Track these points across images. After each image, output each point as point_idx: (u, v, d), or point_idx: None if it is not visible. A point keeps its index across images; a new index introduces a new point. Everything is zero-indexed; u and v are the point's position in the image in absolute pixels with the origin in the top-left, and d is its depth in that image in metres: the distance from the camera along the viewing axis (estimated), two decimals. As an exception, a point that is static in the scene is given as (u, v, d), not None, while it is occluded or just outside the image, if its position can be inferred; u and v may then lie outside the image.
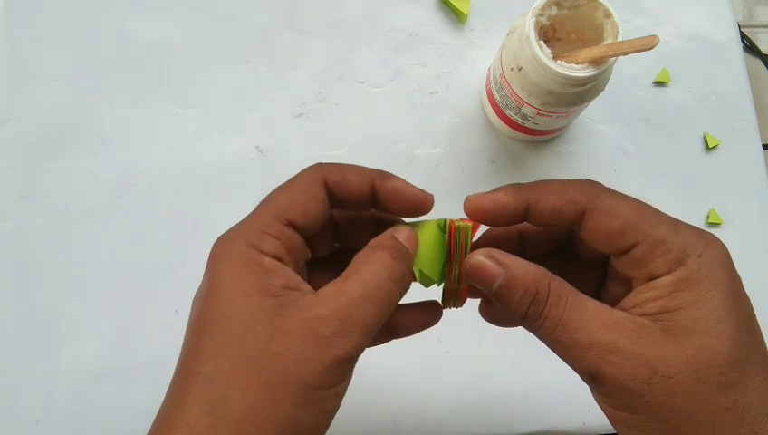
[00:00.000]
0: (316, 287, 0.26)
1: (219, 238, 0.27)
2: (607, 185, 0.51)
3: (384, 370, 0.45)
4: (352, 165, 0.29)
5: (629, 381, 0.24)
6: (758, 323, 0.26)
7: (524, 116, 0.44)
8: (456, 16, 0.52)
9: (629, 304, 0.26)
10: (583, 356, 0.25)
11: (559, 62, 0.38)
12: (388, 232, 0.28)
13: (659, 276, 0.25)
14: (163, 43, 0.49)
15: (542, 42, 0.39)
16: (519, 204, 0.27)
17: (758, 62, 0.96)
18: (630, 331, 0.24)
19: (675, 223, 0.26)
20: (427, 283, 0.29)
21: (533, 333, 0.27)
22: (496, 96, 0.46)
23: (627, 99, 0.51)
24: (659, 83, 0.52)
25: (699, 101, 0.52)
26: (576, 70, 0.38)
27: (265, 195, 0.49)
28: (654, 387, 0.24)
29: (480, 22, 0.52)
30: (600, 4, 0.39)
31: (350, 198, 0.28)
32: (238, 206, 0.47)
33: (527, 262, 0.26)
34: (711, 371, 0.23)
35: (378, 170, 0.28)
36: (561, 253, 0.32)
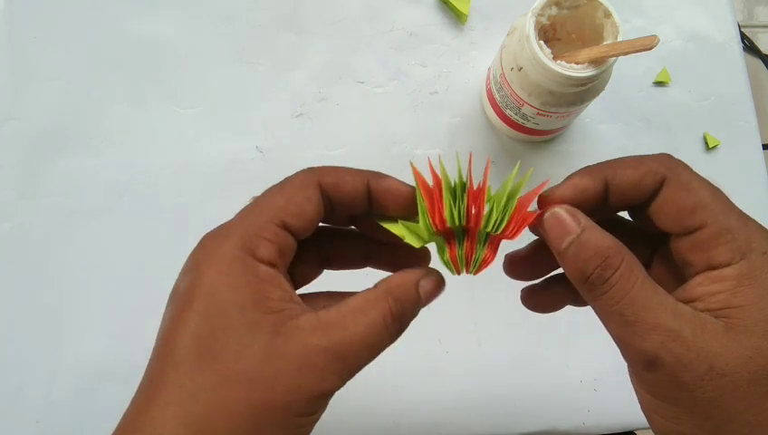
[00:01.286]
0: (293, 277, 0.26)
1: (209, 236, 0.26)
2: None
3: (384, 370, 0.45)
4: (346, 167, 0.28)
5: (685, 374, 0.23)
6: None
7: (524, 116, 0.44)
8: (456, 16, 0.52)
9: (690, 296, 0.25)
10: (644, 337, 0.24)
11: (559, 62, 0.38)
12: (413, 276, 0.27)
13: (719, 265, 0.25)
14: (163, 43, 0.49)
15: (542, 42, 0.39)
16: (598, 184, 0.27)
17: (758, 62, 0.96)
18: (695, 324, 0.24)
19: (745, 216, 0.26)
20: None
21: (591, 301, 0.26)
22: (496, 96, 0.46)
23: (627, 99, 0.51)
24: (659, 83, 0.52)
25: (699, 101, 0.52)
26: (576, 70, 0.38)
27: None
28: (707, 383, 0.23)
29: (480, 22, 0.52)
30: (600, 4, 0.39)
31: (345, 199, 0.28)
32: (238, 206, 0.47)
33: (605, 231, 0.26)
34: (764, 373, 0.23)
35: (372, 171, 0.28)
36: (609, 225, 0.30)
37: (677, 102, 0.52)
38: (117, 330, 0.45)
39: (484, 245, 0.28)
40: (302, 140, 0.49)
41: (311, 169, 0.28)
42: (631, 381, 0.27)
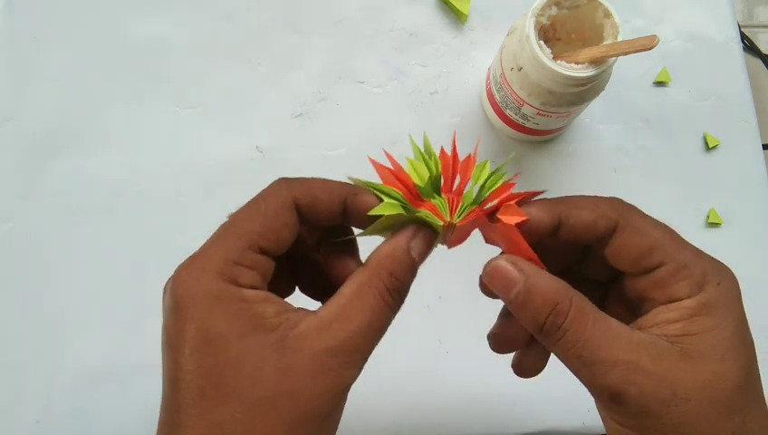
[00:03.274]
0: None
1: (184, 269, 0.25)
2: (607, 185, 0.52)
3: (384, 370, 0.45)
4: (321, 180, 0.27)
5: (650, 402, 0.24)
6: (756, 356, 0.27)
7: (524, 116, 0.44)
8: (456, 16, 0.52)
9: (648, 323, 0.26)
10: (606, 374, 0.24)
11: (559, 62, 0.38)
12: (402, 241, 0.26)
13: (680, 299, 0.26)
14: (163, 43, 0.49)
15: (542, 42, 0.39)
16: (552, 220, 0.27)
17: (758, 62, 0.96)
18: (651, 351, 0.25)
19: (698, 251, 0.27)
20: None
21: (550, 347, 0.26)
22: (496, 96, 0.46)
23: (627, 99, 0.51)
24: (659, 83, 0.52)
25: (699, 101, 0.52)
26: (576, 70, 0.38)
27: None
28: (672, 409, 0.24)
29: (480, 22, 0.52)
30: (600, 4, 0.39)
31: (320, 218, 0.27)
32: (238, 206, 0.47)
33: (549, 274, 0.26)
34: (723, 395, 0.24)
35: (348, 185, 0.27)
36: (565, 271, 0.31)
37: (677, 102, 0.52)
38: (117, 330, 0.45)
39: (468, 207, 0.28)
40: (302, 140, 0.49)
41: (286, 186, 0.27)
42: (598, 410, 0.27)
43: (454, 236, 0.29)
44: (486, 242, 0.29)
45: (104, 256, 0.46)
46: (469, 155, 0.29)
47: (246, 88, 0.49)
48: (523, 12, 0.41)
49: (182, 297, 0.24)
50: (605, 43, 0.39)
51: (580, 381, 0.26)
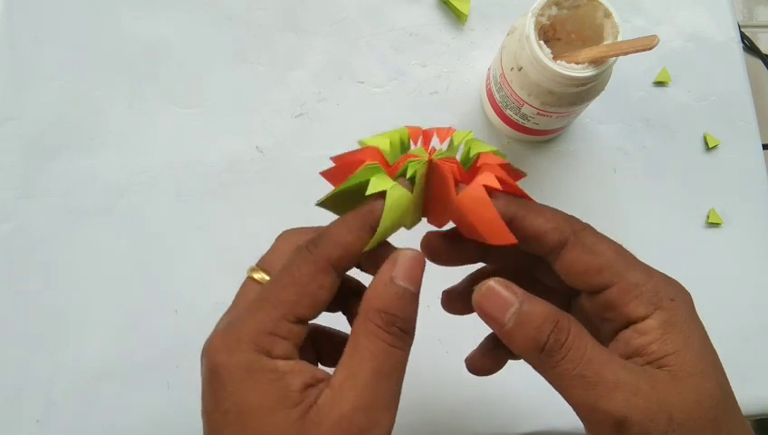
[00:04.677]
0: None
1: (218, 339, 0.25)
2: (607, 185, 0.52)
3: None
4: (342, 227, 0.26)
5: (652, 429, 0.24)
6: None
7: (524, 116, 0.44)
8: (456, 16, 0.52)
9: (627, 351, 0.26)
10: (610, 397, 0.24)
11: (559, 62, 0.38)
12: (383, 275, 0.25)
13: (636, 319, 0.25)
14: (163, 43, 0.49)
15: (542, 42, 0.39)
16: (506, 214, 0.26)
17: (758, 62, 0.96)
18: (646, 376, 0.24)
19: (648, 269, 0.27)
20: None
21: (549, 369, 0.25)
22: (496, 96, 0.46)
23: (627, 99, 0.51)
24: (659, 83, 0.52)
25: (699, 101, 0.52)
26: (576, 70, 0.38)
27: (264, 196, 0.49)
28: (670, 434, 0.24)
29: (480, 22, 0.52)
30: (600, 4, 0.39)
31: (350, 266, 0.27)
32: (238, 206, 0.47)
33: (538, 297, 0.26)
34: (711, 414, 0.24)
35: (366, 215, 0.26)
36: (522, 275, 0.31)
37: (677, 102, 0.52)
38: (117, 330, 0.45)
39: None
40: (302, 140, 0.49)
41: (314, 247, 0.26)
42: None
43: (434, 205, 0.28)
44: (458, 225, 0.28)
45: (104, 256, 0.46)
46: (450, 127, 0.29)
47: (246, 88, 0.49)
48: (523, 12, 0.41)
49: (218, 368, 0.25)
50: (605, 43, 0.39)
51: (579, 410, 0.25)
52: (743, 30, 0.68)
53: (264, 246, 0.47)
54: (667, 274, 0.27)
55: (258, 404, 0.24)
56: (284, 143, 0.49)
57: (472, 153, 0.28)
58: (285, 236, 0.30)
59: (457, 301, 0.32)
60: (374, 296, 0.25)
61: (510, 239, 0.26)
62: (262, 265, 0.29)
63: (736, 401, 0.26)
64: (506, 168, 0.28)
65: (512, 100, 0.43)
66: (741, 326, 0.48)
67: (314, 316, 0.26)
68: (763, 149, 0.53)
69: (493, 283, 0.26)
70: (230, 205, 0.47)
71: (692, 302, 0.27)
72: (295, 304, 0.25)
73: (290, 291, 0.25)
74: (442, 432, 0.45)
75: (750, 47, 0.96)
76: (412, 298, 0.25)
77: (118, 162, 0.47)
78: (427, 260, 0.26)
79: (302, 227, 0.30)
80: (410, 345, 0.26)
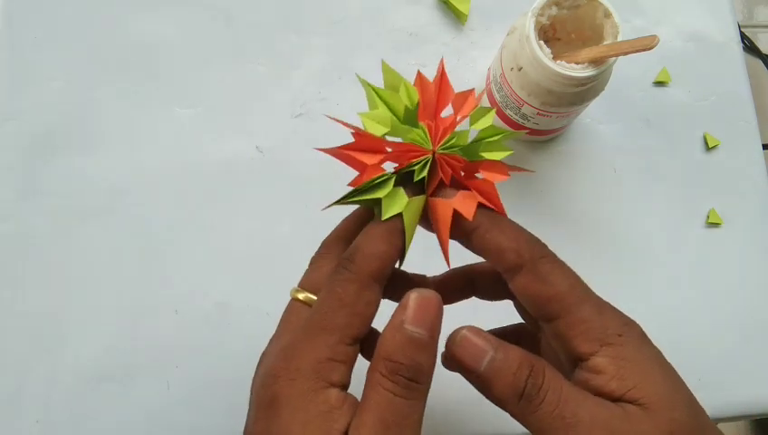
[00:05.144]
0: None
1: (278, 368, 0.25)
2: (607, 185, 0.52)
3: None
4: (373, 230, 0.26)
5: None
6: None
7: (524, 116, 0.44)
8: (456, 16, 0.52)
9: (592, 389, 0.26)
10: None
11: (559, 62, 0.38)
12: (395, 320, 0.25)
13: (582, 355, 0.25)
14: (163, 43, 0.49)
15: (542, 42, 0.39)
16: (471, 223, 0.26)
17: (758, 62, 0.96)
18: (618, 412, 0.24)
19: (600, 304, 0.26)
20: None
21: (527, 415, 0.25)
22: (496, 96, 0.46)
23: (627, 99, 0.51)
24: (659, 83, 0.52)
25: (699, 101, 0.52)
26: (576, 70, 0.38)
27: (264, 196, 0.49)
28: None
29: (480, 22, 0.52)
30: (600, 4, 0.39)
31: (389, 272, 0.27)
32: (238, 205, 0.47)
33: (510, 344, 0.26)
34: None
35: (392, 225, 0.26)
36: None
37: (677, 102, 0.52)
38: (117, 330, 0.45)
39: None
40: (302, 140, 0.49)
41: (351, 264, 0.26)
42: None
43: (433, 209, 0.27)
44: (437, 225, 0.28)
45: (104, 256, 0.46)
46: (472, 90, 0.27)
47: (246, 88, 0.49)
48: (523, 12, 0.41)
49: (277, 396, 0.24)
50: (605, 43, 0.39)
51: None
52: (743, 30, 0.68)
53: (265, 245, 0.47)
54: (620, 310, 0.27)
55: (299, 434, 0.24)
56: (284, 143, 0.49)
57: (483, 153, 0.27)
58: (322, 252, 0.29)
59: (446, 288, 0.32)
60: (381, 342, 0.24)
61: (445, 259, 0.27)
62: (305, 285, 0.29)
63: (710, 423, 0.26)
64: (506, 170, 0.27)
65: (512, 100, 0.43)
66: (741, 326, 0.48)
67: (365, 333, 0.26)
68: (763, 149, 0.53)
69: (466, 332, 0.26)
70: (230, 205, 0.47)
71: (643, 335, 0.27)
72: (348, 326, 0.25)
73: (341, 314, 0.25)
74: (442, 432, 0.45)
75: (750, 47, 0.96)
76: (423, 344, 0.24)
77: (118, 162, 0.47)
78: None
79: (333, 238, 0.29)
80: (423, 394, 0.25)
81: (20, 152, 0.47)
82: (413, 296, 0.25)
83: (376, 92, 0.27)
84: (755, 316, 0.49)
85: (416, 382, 0.24)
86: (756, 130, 0.52)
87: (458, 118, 0.27)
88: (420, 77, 0.27)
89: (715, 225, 0.50)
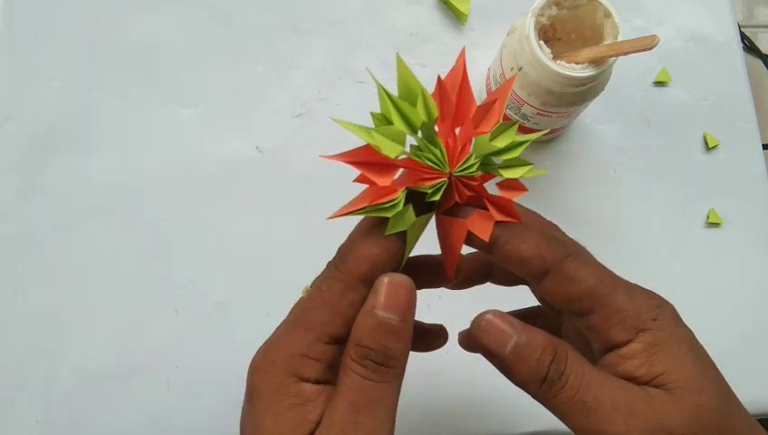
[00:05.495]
0: None
1: (258, 360, 0.26)
2: (607, 185, 0.52)
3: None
4: (368, 240, 0.25)
5: None
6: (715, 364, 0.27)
7: (524, 116, 0.44)
8: (456, 16, 0.52)
9: (619, 374, 0.26)
10: (610, 421, 0.24)
11: (559, 62, 0.38)
12: (366, 307, 0.24)
13: (620, 344, 0.26)
14: (163, 43, 0.49)
15: (542, 42, 0.39)
16: (492, 236, 0.26)
17: (758, 62, 0.96)
18: (641, 395, 0.25)
19: (630, 290, 0.26)
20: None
21: (549, 399, 0.25)
22: (496, 96, 0.46)
23: (627, 99, 0.51)
24: (659, 83, 0.52)
25: (699, 101, 0.52)
26: (576, 70, 0.38)
27: (264, 196, 0.49)
28: None
29: (480, 22, 0.52)
30: (600, 4, 0.39)
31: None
32: (238, 205, 0.47)
33: (534, 326, 0.26)
34: (711, 425, 0.24)
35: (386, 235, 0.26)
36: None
37: (677, 102, 0.52)
38: (117, 330, 0.45)
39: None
40: (302, 140, 0.49)
41: (341, 264, 0.26)
42: None
43: (447, 227, 0.26)
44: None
45: (104, 256, 0.46)
46: (495, 99, 0.25)
47: (246, 88, 0.49)
48: (523, 12, 0.41)
49: (252, 387, 0.25)
50: (605, 43, 0.39)
51: (581, 434, 0.25)
52: (743, 30, 0.68)
53: (265, 245, 0.47)
54: (648, 289, 0.27)
55: (272, 427, 0.24)
56: (284, 143, 0.49)
57: (502, 171, 0.26)
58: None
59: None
60: (354, 328, 0.25)
61: (450, 278, 0.27)
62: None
63: (741, 407, 0.26)
64: (523, 186, 0.27)
65: (512, 100, 0.43)
66: (741, 326, 0.48)
67: (346, 335, 0.25)
68: (763, 149, 0.53)
69: (491, 316, 0.26)
70: (230, 205, 0.47)
71: (676, 316, 0.27)
72: (328, 324, 0.25)
73: (322, 312, 0.25)
74: (442, 432, 0.45)
75: (750, 47, 0.96)
76: (393, 329, 0.24)
77: (118, 162, 0.47)
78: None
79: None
80: (394, 377, 0.25)
81: (20, 152, 0.47)
82: (385, 281, 0.24)
83: (392, 101, 0.24)
84: (755, 316, 0.49)
85: (385, 366, 0.24)
86: (756, 130, 0.52)
87: (477, 133, 0.26)
88: (440, 85, 0.25)
89: (715, 225, 0.50)
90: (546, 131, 0.28)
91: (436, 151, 0.25)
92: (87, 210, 0.46)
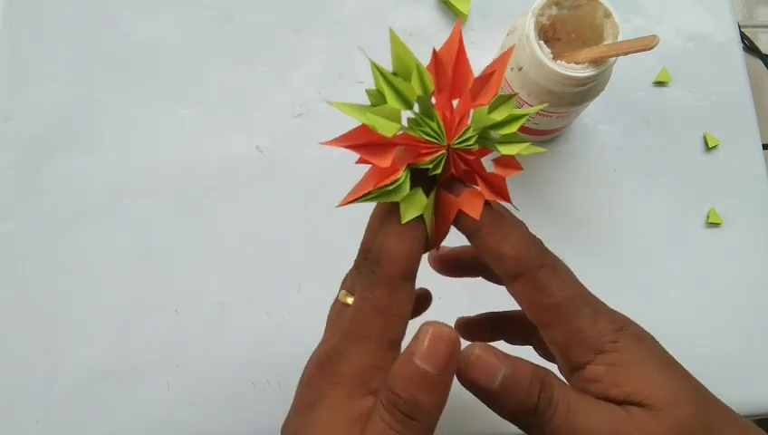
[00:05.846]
0: None
1: (315, 373, 0.25)
2: (607, 185, 0.52)
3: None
4: (394, 237, 0.25)
5: None
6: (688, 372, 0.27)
7: (524, 116, 0.44)
8: (456, 16, 0.52)
9: (594, 396, 0.26)
10: None
11: (559, 62, 0.38)
12: (405, 352, 0.24)
13: (579, 364, 0.26)
14: (163, 43, 0.49)
15: (542, 42, 0.39)
16: (473, 225, 0.26)
17: (758, 62, 0.96)
18: (624, 415, 0.25)
19: (596, 312, 0.26)
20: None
21: (538, 429, 0.25)
22: (496, 96, 0.46)
23: (627, 99, 0.51)
24: (659, 83, 0.52)
25: (699, 101, 0.52)
26: (576, 70, 0.38)
27: (264, 196, 0.49)
28: None
29: (480, 22, 0.52)
30: (600, 4, 0.39)
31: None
32: (238, 205, 0.47)
33: (520, 358, 0.26)
34: None
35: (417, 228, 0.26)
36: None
37: (677, 102, 0.52)
38: (117, 330, 0.45)
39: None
40: (302, 140, 0.49)
41: (377, 267, 0.25)
42: None
43: (439, 211, 0.26)
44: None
45: (104, 255, 0.46)
46: (493, 71, 0.25)
47: (246, 88, 0.49)
48: (523, 12, 0.41)
49: (315, 400, 0.25)
50: (605, 43, 0.39)
51: None
52: (743, 30, 0.68)
53: (265, 245, 0.47)
54: (617, 312, 0.27)
55: None
56: (284, 143, 0.49)
57: (499, 146, 0.26)
58: (365, 255, 0.29)
59: (445, 262, 0.33)
60: (391, 371, 0.24)
61: (435, 245, 0.27)
62: (350, 288, 0.28)
63: (724, 411, 0.26)
64: (519, 164, 0.26)
65: (512, 100, 0.43)
66: (741, 326, 0.48)
67: (404, 332, 0.26)
68: (763, 149, 0.53)
69: (479, 351, 0.25)
70: (230, 205, 0.47)
71: (639, 335, 0.27)
72: (385, 329, 0.25)
73: (375, 320, 0.25)
74: (442, 432, 0.45)
75: (750, 47, 0.96)
76: (428, 381, 0.23)
77: (118, 162, 0.47)
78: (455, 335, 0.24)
79: None
80: (422, 431, 0.24)
81: (20, 152, 0.47)
82: (430, 330, 0.23)
83: (385, 77, 0.24)
84: (755, 316, 0.49)
85: (412, 419, 0.23)
86: (756, 130, 0.52)
87: (475, 105, 0.25)
88: (435, 57, 0.25)
89: (715, 225, 0.50)
90: (544, 106, 0.27)
91: (433, 124, 0.24)
92: (87, 210, 0.46)
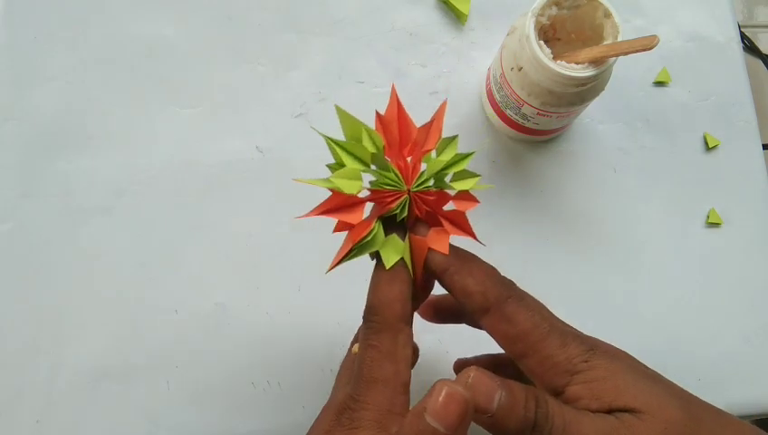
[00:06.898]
0: None
1: (340, 417, 0.26)
2: (607, 185, 0.52)
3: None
4: (384, 286, 0.27)
5: None
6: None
7: (524, 116, 0.44)
8: (456, 16, 0.52)
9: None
10: None
11: (559, 62, 0.38)
12: (419, 404, 0.24)
13: (558, 388, 0.27)
14: (163, 43, 0.49)
15: (542, 42, 0.39)
16: (440, 266, 0.28)
17: (758, 62, 0.96)
18: (616, 422, 0.25)
19: (564, 336, 0.27)
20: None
21: None
22: (496, 96, 0.46)
23: (627, 99, 0.51)
24: (659, 83, 0.52)
25: (699, 101, 0.52)
26: (576, 70, 0.38)
27: (264, 196, 0.49)
28: None
29: (480, 22, 0.52)
30: (600, 4, 0.39)
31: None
32: (238, 206, 0.47)
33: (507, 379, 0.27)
34: None
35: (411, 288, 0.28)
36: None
37: (677, 102, 0.52)
38: (117, 330, 0.45)
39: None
40: (302, 140, 0.49)
41: (376, 316, 0.27)
42: None
43: (415, 251, 0.28)
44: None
45: (104, 255, 0.46)
46: (433, 120, 0.29)
47: (246, 88, 0.49)
48: (523, 12, 0.41)
49: None
50: (605, 43, 0.39)
51: None
52: (743, 30, 0.68)
53: (264, 245, 0.47)
54: (584, 335, 0.28)
55: None
56: (284, 143, 0.49)
57: (453, 183, 0.29)
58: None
59: (430, 309, 0.35)
60: (403, 423, 0.25)
61: (416, 286, 0.29)
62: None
63: (711, 411, 0.27)
64: (474, 198, 0.29)
65: (512, 100, 0.43)
66: (741, 326, 0.48)
67: (410, 377, 0.27)
68: (763, 149, 0.53)
69: (476, 372, 0.26)
70: (230, 205, 0.47)
71: (609, 352, 0.28)
72: (396, 373, 0.26)
73: (385, 365, 0.26)
74: (442, 432, 0.45)
75: (750, 47, 0.96)
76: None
77: (118, 162, 0.47)
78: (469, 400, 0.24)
79: None
80: None
81: (20, 152, 0.47)
82: (444, 389, 0.24)
83: (338, 145, 0.28)
84: (755, 316, 0.49)
85: None
86: (756, 130, 0.52)
87: (421, 154, 0.28)
88: (379, 119, 0.28)
89: (715, 225, 0.50)
90: (478, 178, 0.30)
91: (390, 175, 0.27)
92: (87, 210, 0.46)
